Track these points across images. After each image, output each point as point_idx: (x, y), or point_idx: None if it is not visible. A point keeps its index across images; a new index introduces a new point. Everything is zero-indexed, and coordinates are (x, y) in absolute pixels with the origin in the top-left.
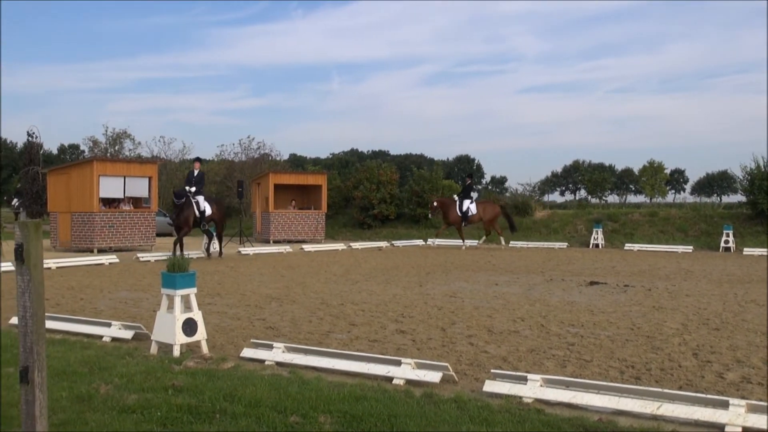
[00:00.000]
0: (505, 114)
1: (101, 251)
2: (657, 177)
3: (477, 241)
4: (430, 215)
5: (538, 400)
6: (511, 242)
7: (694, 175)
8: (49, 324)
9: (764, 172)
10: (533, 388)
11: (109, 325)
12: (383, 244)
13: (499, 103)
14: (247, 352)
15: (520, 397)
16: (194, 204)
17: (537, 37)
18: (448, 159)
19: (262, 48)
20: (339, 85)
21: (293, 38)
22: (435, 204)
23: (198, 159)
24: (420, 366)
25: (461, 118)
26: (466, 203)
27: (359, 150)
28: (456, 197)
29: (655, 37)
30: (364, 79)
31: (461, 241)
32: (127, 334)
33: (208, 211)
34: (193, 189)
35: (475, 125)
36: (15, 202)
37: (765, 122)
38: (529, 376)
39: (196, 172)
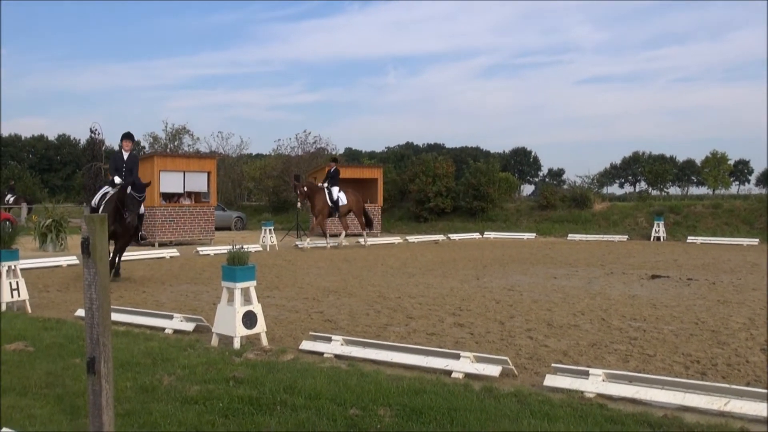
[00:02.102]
0: (562, 106)
1: (162, 245)
2: (720, 168)
3: (335, 240)
4: (299, 204)
5: (600, 395)
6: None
7: (759, 166)
8: (113, 316)
9: None
10: (595, 383)
11: (171, 317)
12: (440, 237)
13: (557, 95)
14: (306, 345)
15: (582, 392)
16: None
17: (595, 26)
18: (504, 152)
19: (317, 43)
20: (395, 78)
21: (349, 32)
22: (305, 190)
23: (128, 136)
24: (479, 359)
25: (517, 111)
26: (335, 191)
27: (414, 143)
28: (325, 185)
29: (720, 25)
30: (420, 72)
31: (325, 238)
32: (189, 327)
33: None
34: (118, 180)
35: (532, 117)
36: (9, 198)
37: None
38: (591, 370)
39: (126, 155)
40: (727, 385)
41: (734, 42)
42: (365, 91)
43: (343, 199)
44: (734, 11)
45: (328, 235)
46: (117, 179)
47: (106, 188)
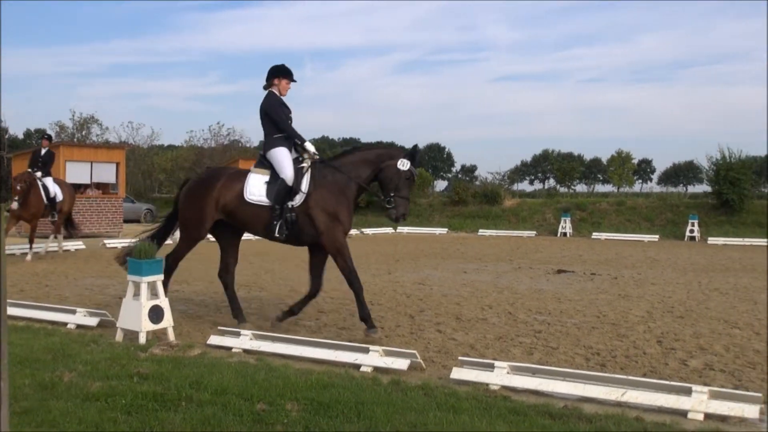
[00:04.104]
0: (477, 103)
1: (67, 237)
2: (625, 167)
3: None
4: (15, 204)
5: (504, 387)
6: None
7: (661, 165)
8: (12, 311)
9: (729, 163)
10: (500, 376)
11: (73, 312)
12: (353, 232)
13: (471, 92)
14: (214, 340)
15: (487, 384)
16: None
17: (510, 25)
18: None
19: (235, 34)
20: (312, 71)
21: (267, 24)
22: (20, 187)
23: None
24: (388, 353)
25: (433, 107)
26: (50, 184)
27: (330, 137)
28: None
29: (628, 28)
30: (337, 66)
31: (29, 246)
32: (92, 321)
33: (59, 196)
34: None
35: (447, 114)
36: None
37: (723, 114)
38: (496, 363)
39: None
40: (624, 376)
41: (641, 45)
42: None
43: (59, 195)
44: (643, 14)
45: (33, 240)
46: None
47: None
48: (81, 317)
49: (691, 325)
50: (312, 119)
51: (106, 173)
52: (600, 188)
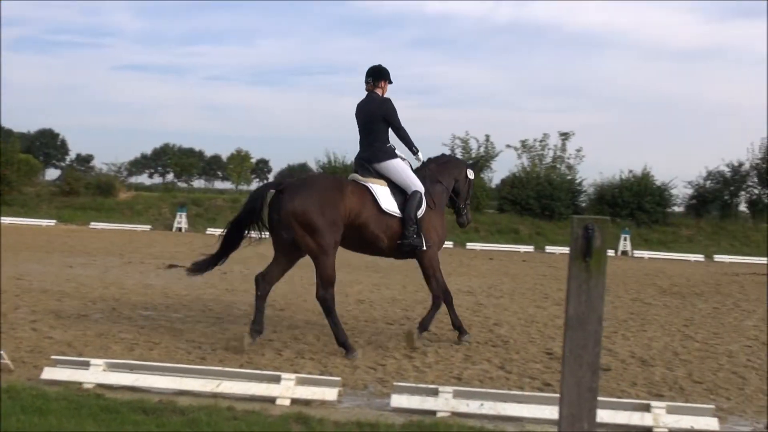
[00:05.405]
0: (97, 90)
1: None
2: (243, 165)
3: None
4: None
5: (100, 385)
6: None
7: (277, 165)
8: None
9: (334, 167)
10: (95, 373)
11: None
12: None
13: (92, 79)
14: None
15: (81, 383)
16: None
17: (136, 14)
18: (29, 132)
19: None
20: None
21: None
22: None
23: None
24: None
25: (48, 90)
26: None
27: None
28: None
29: (250, 31)
30: None
31: None
32: None
33: None
34: None
35: (63, 99)
36: None
37: (333, 120)
38: (92, 361)
39: None
40: (220, 368)
41: (261, 48)
42: None
43: None
44: (265, 20)
45: None
46: None
47: None
48: None
49: (289, 317)
50: None
51: None
52: (220, 185)
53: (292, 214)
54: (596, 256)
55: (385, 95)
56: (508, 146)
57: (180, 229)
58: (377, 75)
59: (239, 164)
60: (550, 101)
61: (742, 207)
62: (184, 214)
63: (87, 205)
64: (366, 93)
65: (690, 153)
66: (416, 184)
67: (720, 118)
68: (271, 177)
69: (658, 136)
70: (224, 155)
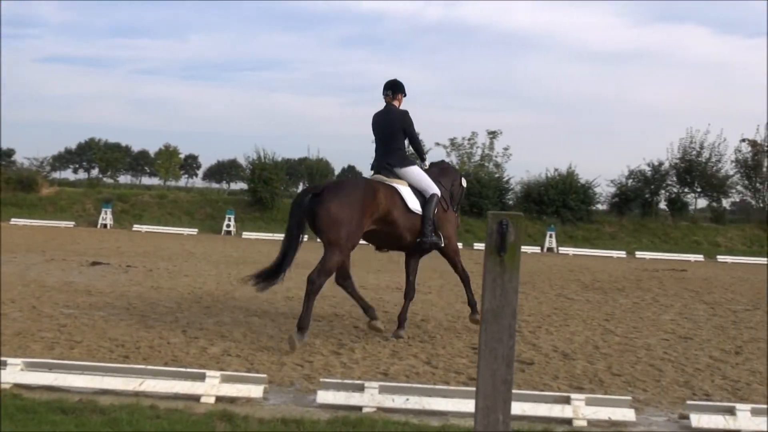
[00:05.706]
0: (19, 83)
1: None
2: (172, 161)
3: None
4: None
5: (17, 385)
6: None
7: (207, 162)
8: None
9: (264, 163)
10: (12, 373)
11: None
12: None
13: (14, 71)
14: None
15: None
16: None
17: (60, 5)
18: None
19: None
20: None
21: None
22: None
23: None
24: None
25: None
26: None
27: None
28: None
29: (181, 25)
30: None
31: None
32: None
33: None
34: None
35: None
36: None
37: (265, 116)
38: (9, 360)
39: None
40: (143, 366)
41: (192, 43)
42: None
43: None
44: (197, 15)
45: None
46: None
47: None
48: None
49: (217, 314)
50: None
51: None
52: (147, 181)
53: (326, 210)
54: (510, 251)
55: (401, 107)
56: (438, 144)
57: (105, 226)
58: (395, 88)
59: (167, 160)
60: (478, 100)
61: (662, 205)
62: (109, 210)
63: (7, 201)
64: (385, 104)
65: (613, 152)
66: (434, 188)
67: (642, 119)
68: (199, 173)
69: (582, 136)
70: (152, 150)
